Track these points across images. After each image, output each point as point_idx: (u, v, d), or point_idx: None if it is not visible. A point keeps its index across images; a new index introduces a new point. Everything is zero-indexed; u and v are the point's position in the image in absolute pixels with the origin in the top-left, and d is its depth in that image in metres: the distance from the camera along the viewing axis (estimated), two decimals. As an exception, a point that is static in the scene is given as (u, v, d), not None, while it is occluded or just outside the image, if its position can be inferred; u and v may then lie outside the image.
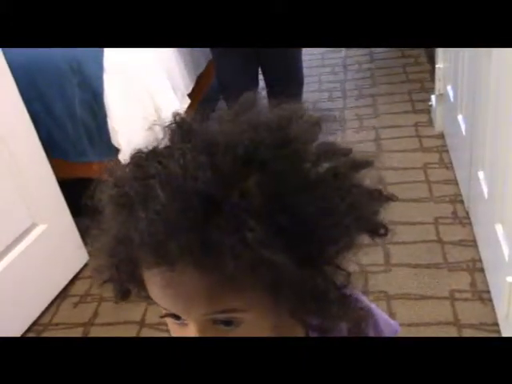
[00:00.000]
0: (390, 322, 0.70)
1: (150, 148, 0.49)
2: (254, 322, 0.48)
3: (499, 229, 1.43)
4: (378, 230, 0.48)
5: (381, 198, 0.48)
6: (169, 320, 0.51)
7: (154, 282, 0.47)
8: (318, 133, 0.48)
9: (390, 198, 0.49)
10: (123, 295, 0.55)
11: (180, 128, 0.49)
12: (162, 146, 0.49)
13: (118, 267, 0.50)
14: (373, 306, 0.66)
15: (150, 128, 0.50)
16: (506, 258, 1.35)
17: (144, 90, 1.95)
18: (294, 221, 0.42)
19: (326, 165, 0.46)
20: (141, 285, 0.51)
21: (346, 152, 0.49)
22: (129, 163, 0.48)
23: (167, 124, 0.50)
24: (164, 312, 0.50)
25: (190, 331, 0.48)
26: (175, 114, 0.50)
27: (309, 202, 0.43)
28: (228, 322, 0.48)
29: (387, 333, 0.68)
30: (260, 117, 0.48)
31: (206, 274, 0.43)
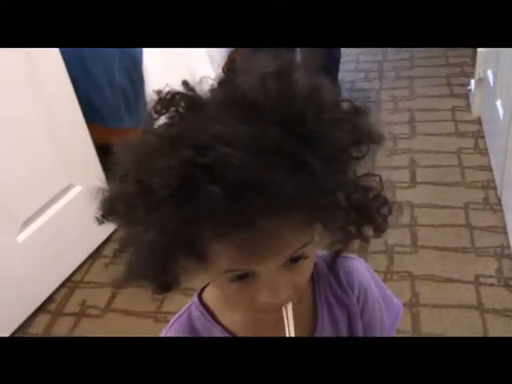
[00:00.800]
0: (393, 300, 0.71)
1: (174, 126, 0.49)
2: (311, 253, 0.52)
3: (531, 216, 1.41)
4: (379, 141, 0.54)
5: (371, 114, 0.54)
6: (226, 283, 0.51)
7: (233, 248, 0.47)
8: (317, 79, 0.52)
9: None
10: (165, 289, 0.55)
11: (187, 96, 0.50)
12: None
13: (162, 260, 0.49)
14: (371, 275, 0.68)
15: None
16: (536, 245, 1.34)
17: (182, 60, 1.98)
18: (330, 149, 0.48)
19: (327, 98, 0.50)
20: (182, 271, 0.52)
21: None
22: (159, 150, 0.46)
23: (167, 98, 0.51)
24: (230, 277, 0.50)
25: (258, 285, 0.50)
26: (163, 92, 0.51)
27: (334, 133, 0.48)
28: (296, 259, 0.51)
29: (386, 310, 0.69)
30: (261, 68, 0.50)
31: (287, 220, 0.46)
